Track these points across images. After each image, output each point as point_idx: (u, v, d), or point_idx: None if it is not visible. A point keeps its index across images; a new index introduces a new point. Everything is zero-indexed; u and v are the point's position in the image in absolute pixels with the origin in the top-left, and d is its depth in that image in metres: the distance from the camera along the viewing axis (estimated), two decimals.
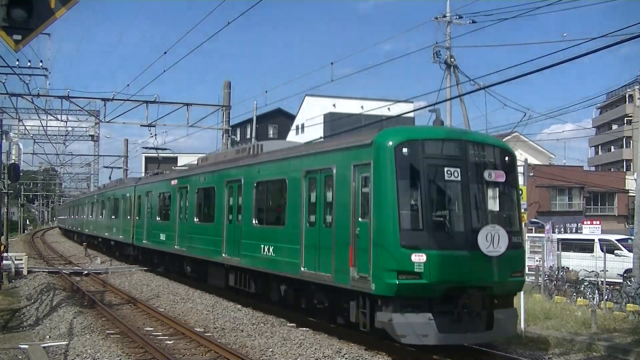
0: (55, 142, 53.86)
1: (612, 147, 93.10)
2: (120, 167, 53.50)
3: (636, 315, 16.11)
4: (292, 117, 68.83)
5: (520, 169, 22.17)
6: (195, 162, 31.43)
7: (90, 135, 59.36)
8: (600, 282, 20.32)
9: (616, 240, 28.26)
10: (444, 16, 27.92)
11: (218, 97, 32.76)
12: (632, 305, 17.08)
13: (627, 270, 22.73)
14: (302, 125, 61.06)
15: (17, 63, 21.53)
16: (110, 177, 52.47)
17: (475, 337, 12.31)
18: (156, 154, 37.64)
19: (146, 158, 71.86)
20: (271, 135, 68.22)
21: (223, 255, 19.22)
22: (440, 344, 11.96)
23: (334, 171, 13.63)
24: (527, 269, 16.10)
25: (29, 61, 22.20)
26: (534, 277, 21.90)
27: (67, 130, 50.94)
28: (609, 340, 14.00)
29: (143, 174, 50.49)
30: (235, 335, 14.74)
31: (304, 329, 15.31)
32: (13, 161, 28.99)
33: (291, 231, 15.20)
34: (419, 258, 11.62)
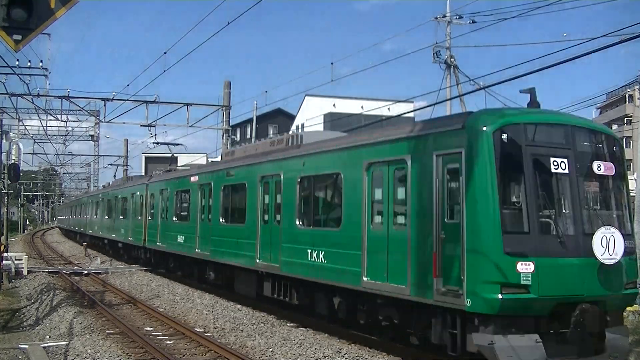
0: (55, 142, 53.87)
1: None
2: (124, 165, 53.10)
3: (636, 316, 15.95)
4: (292, 117, 68.77)
5: None
6: (194, 162, 31.22)
7: (90, 135, 59.29)
8: None
9: None
10: (444, 16, 27.90)
11: (218, 97, 32.72)
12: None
13: None
14: (302, 125, 61.04)
15: (17, 63, 21.57)
16: (115, 176, 51.99)
17: None
18: (168, 152, 35.28)
19: (146, 158, 71.81)
20: (271, 136, 68.12)
21: (257, 261, 17.01)
22: None
23: (408, 163, 11.57)
24: None
25: (29, 61, 22.24)
26: None
27: (67, 130, 50.90)
28: None
29: (143, 174, 50.12)
30: (235, 335, 14.74)
31: (304, 329, 15.31)
32: (13, 161, 28.97)
33: (349, 234, 13.18)
34: (526, 267, 9.79)
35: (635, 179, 20.03)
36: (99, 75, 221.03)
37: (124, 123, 31.99)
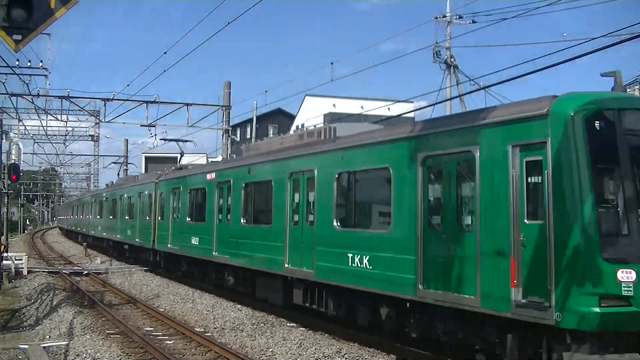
0: (55, 142, 53.84)
1: None
2: (125, 165, 52.84)
3: None
4: (292, 117, 68.76)
5: None
6: (194, 162, 30.78)
7: (90, 135, 59.31)
8: None
9: None
10: (444, 16, 27.89)
11: (218, 97, 32.69)
12: None
13: None
14: (302, 125, 61.10)
15: (17, 63, 21.58)
16: (119, 174, 51.67)
17: None
18: (168, 152, 34.99)
19: (146, 158, 71.78)
20: (271, 136, 68.16)
21: (286, 265, 15.53)
22: None
23: (477, 155, 10.14)
24: None
25: (29, 61, 22.24)
26: None
27: (67, 130, 50.92)
28: None
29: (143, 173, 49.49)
30: (235, 335, 14.73)
31: (304, 329, 15.31)
32: (13, 161, 28.97)
33: (400, 237, 11.74)
34: (627, 276, 8.50)
35: None
36: (99, 75, 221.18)
37: (124, 123, 32.01)
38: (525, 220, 9.38)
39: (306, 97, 63.09)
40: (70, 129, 50.35)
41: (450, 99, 26.49)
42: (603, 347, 8.65)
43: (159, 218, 26.84)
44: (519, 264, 9.33)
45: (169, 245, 25.19)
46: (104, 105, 28.86)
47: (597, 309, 8.48)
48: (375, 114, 36.46)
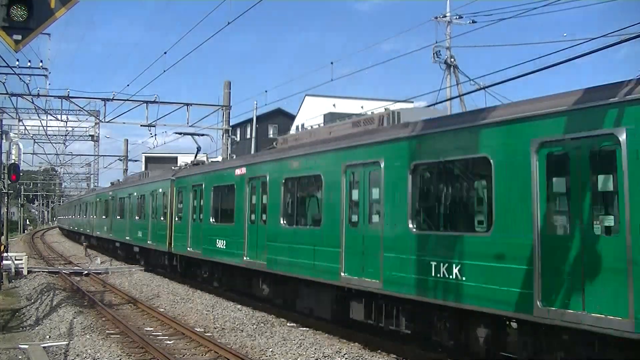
0: (55, 142, 53.89)
1: None
2: (136, 160, 52.14)
3: None
4: (292, 117, 68.77)
5: None
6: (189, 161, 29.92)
7: (90, 135, 59.33)
8: None
9: None
10: (444, 16, 27.91)
11: (218, 97, 32.70)
12: None
13: None
14: (302, 126, 61.11)
15: (17, 63, 21.62)
16: (124, 172, 51.24)
17: None
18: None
19: (146, 158, 71.83)
20: (271, 135, 68.25)
21: (342, 274, 13.39)
22: None
23: (622, 138, 8.19)
24: None
25: (29, 61, 22.29)
26: None
27: (67, 130, 50.99)
28: None
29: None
30: (235, 335, 14.73)
31: (304, 329, 15.30)
32: (13, 161, 28.97)
33: (507, 241, 9.67)
34: None
35: None
36: (99, 75, 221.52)
37: (124, 123, 31.98)
38: None
39: (306, 97, 63.11)
40: (70, 129, 50.48)
41: (450, 99, 26.49)
42: None
43: (176, 219, 24.76)
44: None
45: (188, 249, 22.99)
46: (104, 105, 28.91)
47: None
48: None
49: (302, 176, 15.74)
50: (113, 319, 16.52)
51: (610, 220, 8.52)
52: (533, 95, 10.44)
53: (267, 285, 17.74)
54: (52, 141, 53.19)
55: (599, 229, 8.54)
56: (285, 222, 16.15)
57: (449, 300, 10.71)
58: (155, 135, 32.43)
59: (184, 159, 54.70)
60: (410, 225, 11.71)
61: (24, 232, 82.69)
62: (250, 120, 53.34)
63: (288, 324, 15.93)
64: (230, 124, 31.63)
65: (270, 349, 13.03)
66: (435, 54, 27.17)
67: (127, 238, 32.99)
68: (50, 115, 34.37)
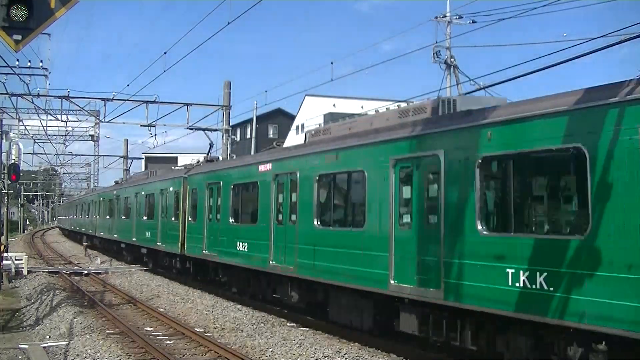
0: (55, 142, 53.93)
1: None
2: (140, 158, 51.80)
3: None
4: (292, 117, 68.79)
5: None
6: (191, 162, 29.59)
7: (90, 135, 59.36)
8: None
9: None
10: (444, 16, 27.92)
11: (218, 97, 32.67)
12: None
13: None
14: (302, 125, 61.13)
15: (17, 63, 21.65)
16: (128, 170, 50.80)
17: None
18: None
19: (146, 158, 71.85)
20: (271, 135, 68.31)
21: (392, 282, 11.88)
22: None
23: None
24: None
25: (29, 61, 22.32)
26: None
27: (67, 130, 51.01)
28: None
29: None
30: (235, 335, 14.73)
31: (304, 329, 15.30)
32: (13, 161, 28.99)
33: (607, 245, 8.26)
34: None
35: None
36: (99, 75, 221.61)
37: (123, 123, 31.99)
38: None
39: (306, 97, 63.14)
40: (70, 129, 50.50)
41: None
42: None
43: (189, 219, 23.18)
44: None
45: (204, 252, 21.30)
46: (104, 105, 28.89)
47: None
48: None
49: (340, 172, 14.22)
50: (113, 319, 16.52)
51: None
52: (533, 95, 10.41)
53: (296, 292, 16.00)
54: (52, 141, 53.25)
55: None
56: (319, 222, 14.70)
57: (533, 314, 9.17)
58: (155, 135, 32.47)
59: (183, 159, 54.73)
60: (479, 227, 10.14)
61: (24, 232, 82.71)
62: (250, 120, 53.37)
63: (288, 324, 15.93)
64: (230, 124, 31.62)
65: (270, 349, 13.03)
66: (435, 54, 27.15)
67: (133, 239, 31.68)
68: (50, 115, 34.42)
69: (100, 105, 29.66)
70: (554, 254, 8.94)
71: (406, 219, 11.95)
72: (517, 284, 9.32)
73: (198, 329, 15.25)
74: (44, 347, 12.87)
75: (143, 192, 30.52)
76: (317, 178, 14.83)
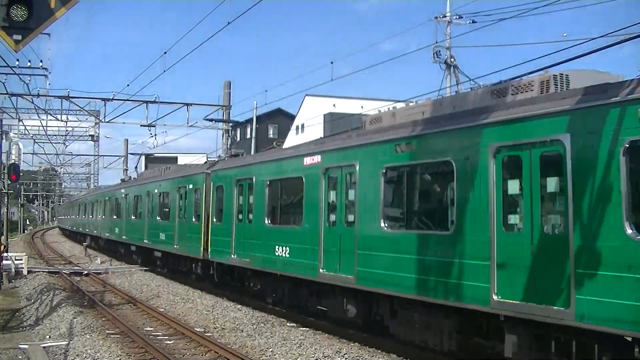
0: (55, 142, 53.94)
1: None
2: (148, 154, 51.10)
3: None
4: (292, 117, 68.82)
5: None
6: (194, 162, 29.35)
7: (90, 135, 59.36)
8: None
9: None
10: (444, 16, 27.92)
11: (218, 97, 32.66)
12: None
13: None
14: (302, 125, 61.15)
15: (17, 63, 21.62)
16: (136, 168, 49.67)
17: None
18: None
19: (146, 158, 71.88)
20: (271, 135, 68.33)
21: (494, 297, 9.79)
22: None
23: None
24: None
25: (29, 61, 22.29)
26: None
27: (67, 130, 51.03)
28: None
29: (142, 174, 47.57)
30: (235, 335, 14.73)
31: (304, 329, 15.30)
32: (13, 161, 28.99)
33: None
34: None
35: None
36: (99, 75, 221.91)
37: (123, 123, 32.05)
38: None
39: (306, 97, 63.16)
40: (70, 129, 50.51)
41: None
42: None
43: (215, 220, 20.97)
44: None
45: (232, 257, 19.04)
46: (104, 105, 28.87)
47: None
48: (375, 114, 36.48)
49: (416, 164, 11.98)
50: (113, 319, 16.52)
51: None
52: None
53: (354, 306, 13.85)
54: (52, 141, 53.26)
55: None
56: (386, 224, 12.52)
57: None
58: (156, 135, 32.46)
59: (183, 160, 54.65)
60: (629, 230, 8.12)
61: (24, 232, 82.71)
62: (250, 120, 53.38)
63: (288, 324, 15.93)
64: (230, 124, 31.62)
65: (270, 349, 13.03)
66: (435, 54, 27.16)
67: (145, 241, 29.59)
68: (50, 115, 34.41)
69: (100, 105, 29.67)
70: None
71: (514, 219, 9.78)
72: None
73: (198, 329, 15.25)
74: (44, 347, 12.87)
75: (156, 191, 28.41)
76: (384, 171, 12.60)
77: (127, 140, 55.86)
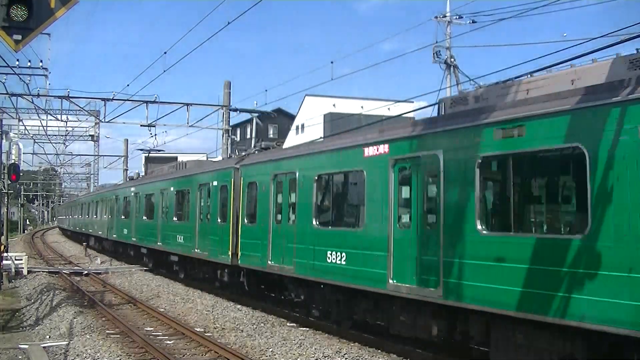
0: (55, 142, 53.96)
1: None
2: (152, 150, 50.57)
3: None
4: (292, 117, 68.82)
5: None
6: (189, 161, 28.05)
7: (90, 135, 59.38)
8: None
9: None
10: (444, 16, 27.94)
11: (218, 97, 32.66)
12: None
13: None
14: (302, 125, 61.14)
15: (17, 63, 21.61)
16: (144, 164, 49.52)
17: None
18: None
19: (146, 158, 71.89)
20: (271, 135, 68.30)
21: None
22: None
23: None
24: None
25: (29, 61, 22.27)
26: None
27: (67, 130, 51.05)
28: None
29: (143, 173, 45.21)
30: (235, 335, 14.73)
31: (304, 329, 15.30)
32: (13, 161, 28.98)
33: None
34: None
35: None
36: (99, 75, 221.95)
37: (123, 123, 32.00)
38: None
39: (306, 97, 63.17)
40: (70, 129, 50.55)
41: None
42: None
43: (245, 221, 18.59)
44: None
45: (269, 262, 16.65)
46: (104, 105, 28.89)
47: None
48: (375, 114, 36.49)
49: (527, 152, 9.49)
50: (113, 319, 16.52)
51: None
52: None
53: (438, 324, 11.46)
54: (52, 141, 53.29)
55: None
56: (483, 226, 10.11)
57: None
58: (156, 135, 32.44)
59: (183, 159, 54.48)
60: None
61: (24, 232, 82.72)
62: (250, 120, 53.33)
63: (288, 324, 15.93)
64: (230, 124, 31.62)
65: (270, 349, 13.03)
66: (435, 54, 27.15)
67: (159, 244, 27.03)
68: (50, 115, 34.42)
69: (100, 105, 29.69)
70: None
71: (624, 217, 8.07)
72: None
73: (198, 329, 15.25)
74: (44, 347, 12.87)
75: (172, 188, 25.80)
76: (480, 161, 10.16)
77: (127, 140, 55.87)
